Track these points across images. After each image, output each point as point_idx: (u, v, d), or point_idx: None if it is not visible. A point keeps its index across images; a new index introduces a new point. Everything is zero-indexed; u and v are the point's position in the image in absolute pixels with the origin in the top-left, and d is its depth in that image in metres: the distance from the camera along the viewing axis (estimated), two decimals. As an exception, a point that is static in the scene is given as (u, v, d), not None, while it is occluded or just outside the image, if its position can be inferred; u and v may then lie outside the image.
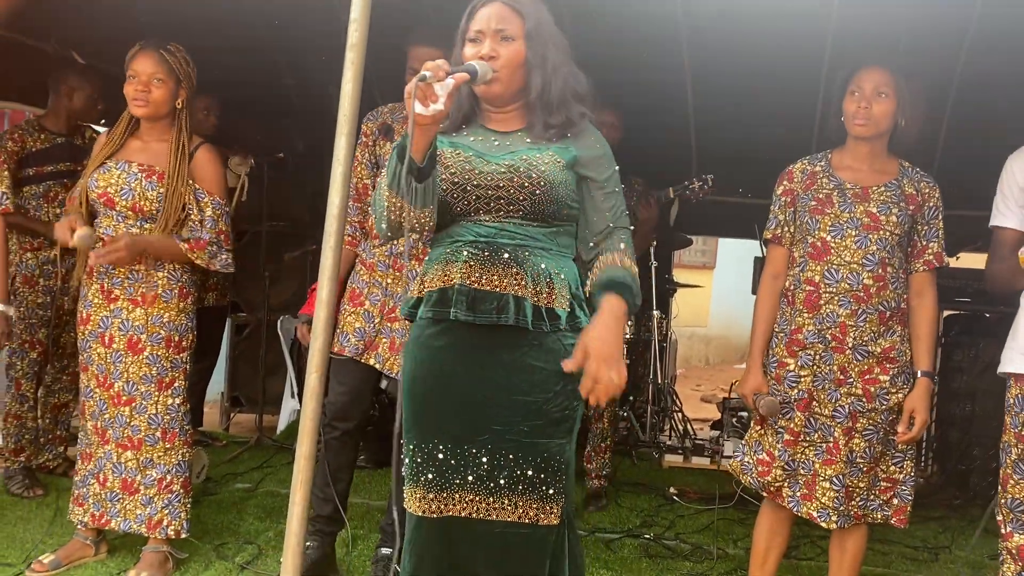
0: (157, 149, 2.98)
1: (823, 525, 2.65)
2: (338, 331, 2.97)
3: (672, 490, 4.44)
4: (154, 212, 2.93)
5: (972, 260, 4.69)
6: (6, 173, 3.68)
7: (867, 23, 3.68)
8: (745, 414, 4.94)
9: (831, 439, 2.63)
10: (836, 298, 2.60)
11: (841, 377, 2.61)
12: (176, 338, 3.00)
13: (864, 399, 2.61)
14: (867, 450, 2.63)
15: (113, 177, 2.94)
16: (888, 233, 2.59)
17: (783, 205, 2.76)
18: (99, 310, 2.98)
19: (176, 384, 3.02)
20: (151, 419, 2.97)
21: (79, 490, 3.07)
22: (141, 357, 2.96)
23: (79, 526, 3.10)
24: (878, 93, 2.58)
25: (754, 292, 2.88)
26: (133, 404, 2.97)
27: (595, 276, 2.03)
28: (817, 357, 2.63)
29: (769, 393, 2.69)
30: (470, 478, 1.99)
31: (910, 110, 2.60)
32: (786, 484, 2.68)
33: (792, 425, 2.66)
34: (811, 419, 2.65)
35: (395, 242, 2.92)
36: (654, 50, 4.23)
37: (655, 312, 5.17)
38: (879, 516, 2.68)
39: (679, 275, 6.63)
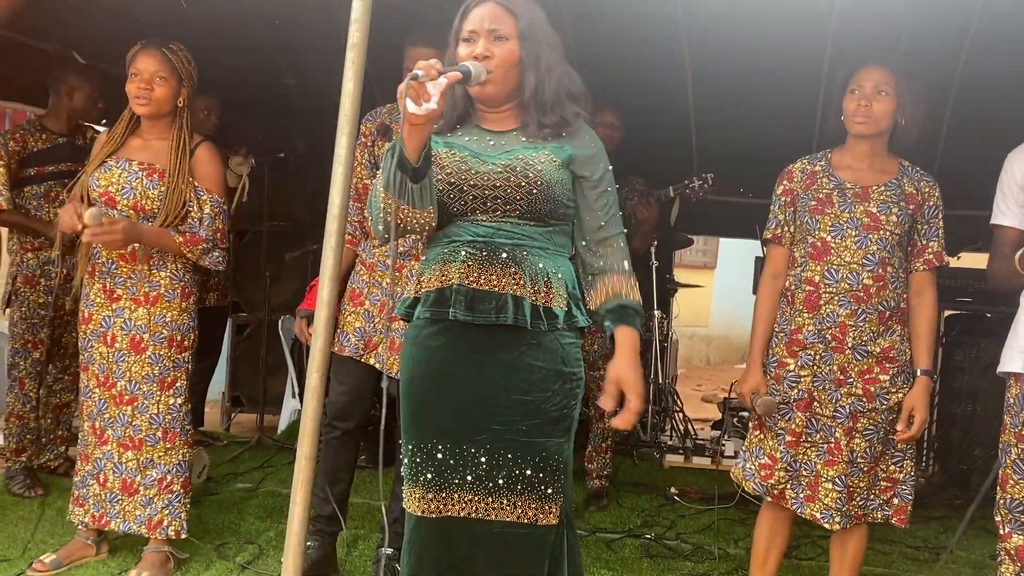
0: (158, 147, 2.98)
1: (826, 526, 2.65)
2: (338, 331, 2.97)
3: (673, 490, 4.44)
4: (155, 210, 2.93)
5: (973, 260, 4.69)
6: (2, 171, 3.68)
7: (867, 23, 3.69)
8: (746, 414, 4.93)
9: (832, 439, 2.63)
10: (836, 298, 2.60)
11: (841, 377, 2.61)
12: (178, 338, 3.01)
13: (864, 399, 2.61)
14: (867, 450, 2.63)
15: (114, 176, 2.94)
16: (888, 233, 2.59)
17: (783, 205, 2.75)
18: (101, 310, 2.98)
19: (178, 384, 3.02)
20: (152, 419, 2.98)
21: (79, 490, 3.07)
22: (143, 357, 2.96)
23: (80, 526, 3.10)
24: (878, 91, 2.58)
25: (755, 292, 2.88)
26: (135, 404, 2.97)
27: (603, 299, 2.06)
28: (817, 357, 2.63)
29: (768, 393, 2.70)
30: (469, 478, 1.99)
31: (910, 109, 2.60)
32: (789, 486, 2.68)
33: (793, 426, 2.65)
34: (812, 419, 2.65)
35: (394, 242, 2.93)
36: (655, 50, 4.23)
37: (656, 312, 5.17)
38: (879, 516, 2.68)
39: (680, 275, 6.63)
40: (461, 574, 2.04)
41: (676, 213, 4.51)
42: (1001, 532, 2.44)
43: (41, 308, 3.87)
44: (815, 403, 2.65)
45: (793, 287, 2.70)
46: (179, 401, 3.02)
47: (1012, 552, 2.41)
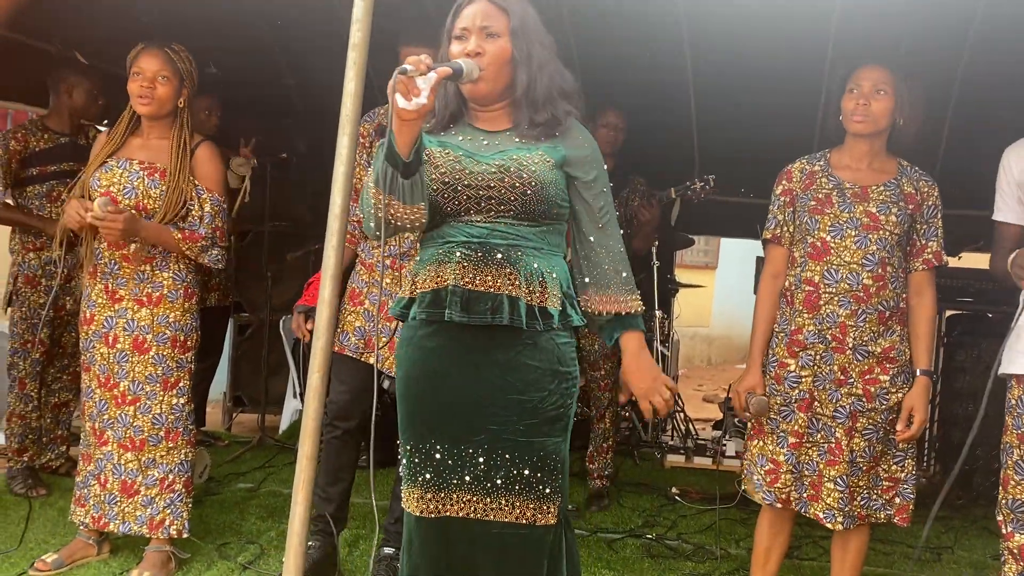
0: (158, 147, 2.99)
1: (828, 526, 2.65)
2: (338, 330, 2.97)
3: (674, 490, 4.44)
4: (157, 209, 2.94)
5: (974, 260, 4.69)
6: None
7: (868, 23, 3.69)
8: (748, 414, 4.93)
9: (833, 439, 2.63)
10: (836, 298, 2.59)
11: (842, 377, 2.61)
12: (182, 338, 3.01)
13: (864, 399, 2.61)
14: (867, 449, 2.63)
15: (115, 176, 2.94)
16: (888, 233, 2.59)
17: (782, 205, 2.75)
18: (103, 310, 2.98)
19: (181, 384, 3.02)
20: (155, 419, 2.98)
21: (80, 491, 3.07)
22: (147, 357, 2.96)
23: (81, 526, 3.10)
24: (876, 91, 2.58)
25: (756, 292, 2.88)
26: (137, 404, 2.97)
27: (604, 309, 2.08)
28: (818, 357, 2.63)
29: (769, 393, 2.70)
30: (467, 478, 2.00)
31: (909, 108, 2.60)
32: (794, 488, 2.68)
33: (796, 427, 2.65)
34: (813, 419, 2.65)
35: (394, 242, 2.93)
36: (656, 50, 4.24)
37: (657, 312, 5.17)
38: (882, 516, 2.68)
39: (681, 275, 6.63)
40: (460, 574, 2.04)
41: (677, 213, 4.51)
42: (1004, 532, 2.45)
43: (42, 308, 3.87)
44: (815, 403, 2.64)
45: (793, 287, 2.70)
46: (182, 401, 3.02)
47: (1015, 551, 2.42)
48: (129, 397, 2.97)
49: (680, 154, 5.05)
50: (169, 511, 3.01)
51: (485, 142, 2.04)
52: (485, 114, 2.07)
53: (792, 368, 2.66)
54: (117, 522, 3.02)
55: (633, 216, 4.21)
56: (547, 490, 2.00)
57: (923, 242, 2.67)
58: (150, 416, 2.98)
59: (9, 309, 3.93)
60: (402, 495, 2.08)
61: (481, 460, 1.99)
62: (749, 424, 2.81)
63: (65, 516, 3.36)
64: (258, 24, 4.35)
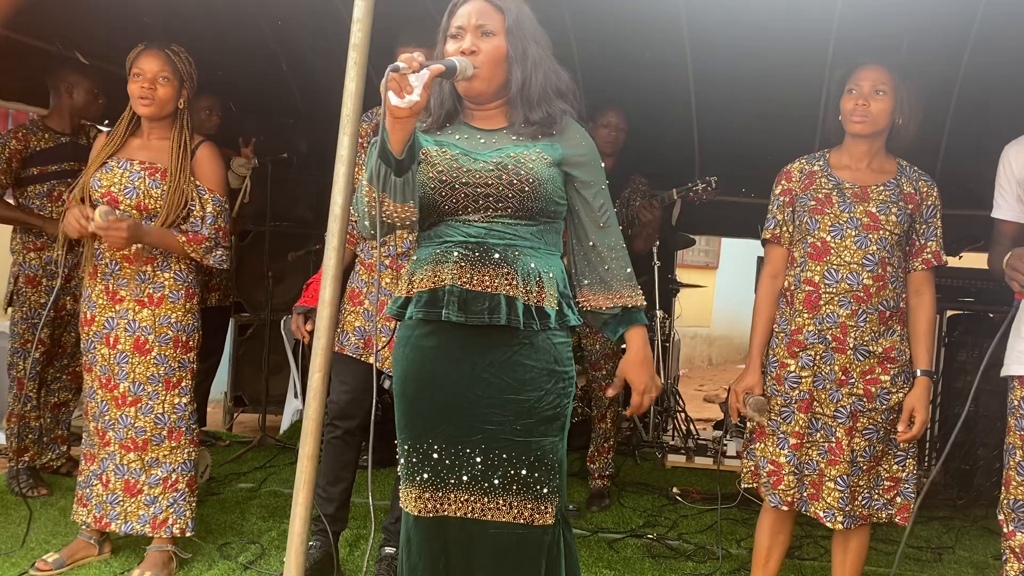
0: (158, 147, 2.99)
1: (829, 525, 2.64)
2: (338, 330, 2.97)
3: (675, 490, 4.44)
4: (158, 209, 2.94)
5: (975, 260, 4.68)
6: None
7: (870, 23, 3.69)
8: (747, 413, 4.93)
9: (833, 439, 2.62)
10: (836, 298, 2.59)
11: (843, 377, 2.61)
12: (184, 338, 3.01)
13: (865, 399, 2.60)
14: (867, 449, 2.63)
15: (116, 176, 2.94)
16: (888, 233, 2.59)
17: (781, 205, 2.75)
18: (104, 311, 2.98)
19: (183, 384, 3.03)
20: (158, 418, 2.98)
21: (82, 490, 3.07)
22: (148, 358, 2.97)
23: (83, 526, 3.11)
24: (876, 91, 2.58)
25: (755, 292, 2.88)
26: (139, 404, 2.97)
27: (608, 305, 2.09)
28: (818, 357, 2.63)
29: (769, 394, 2.69)
30: (464, 478, 2.00)
31: (908, 108, 2.60)
32: (796, 489, 2.68)
33: (796, 428, 2.65)
34: (812, 420, 2.65)
35: (392, 242, 2.93)
36: (657, 50, 4.24)
37: (658, 312, 5.16)
38: (883, 515, 2.68)
39: (682, 275, 6.63)
40: (458, 574, 2.04)
41: (678, 213, 4.51)
42: (1005, 531, 2.45)
43: (42, 308, 3.87)
44: (815, 403, 2.64)
45: (792, 287, 2.70)
46: (184, 400, 3.03)
47: (1017, 550, 2.42)
48: (130, 398, 2.97)
49: (681, 154, 5.05)
50: (172, 510, 3.01)
51: (482, 140, 2.04)
52: (481, 113, 2.07)
53: (792, 368, 2.66)
54: (119, 522, 3.02)
55: (635, 217, 4.20)
56: (544, 490, 2.00)
57: (922, 242, 2.67)
58: (152, 416, 2.98)
59: (10, 309, 3.94)
60: (400, 495, 2.08)
61: (478, 460, 1.99)
62: (749, 425, 2.81)
63: (66, 516, 3.36)
64: (259, 24, 4.35)
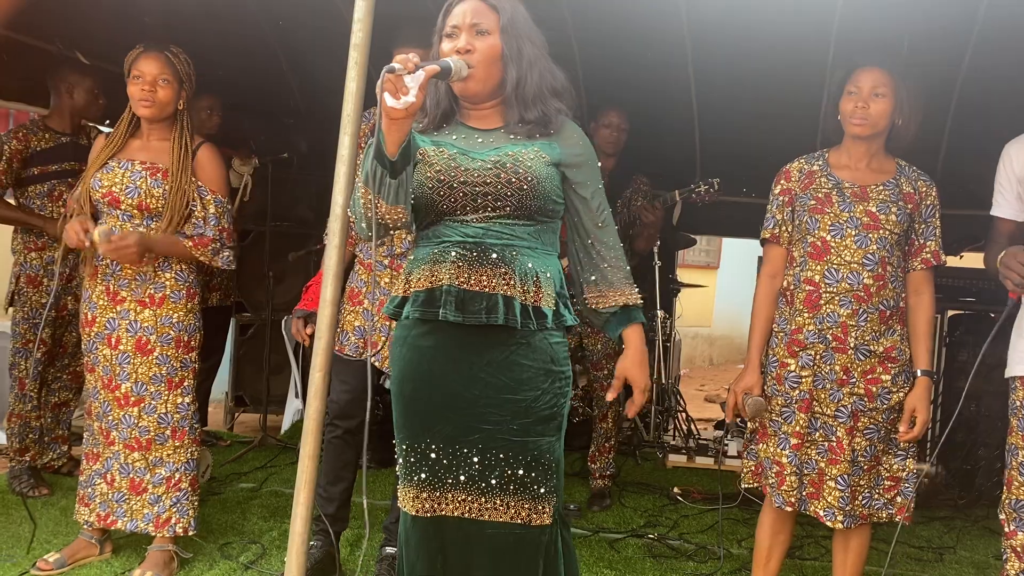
0: (158, 148, 2.99)
1: (829, 524, 2.65)
2: (338, 330, 2.97)
3: (676, 490, 4.44)
4: (160, 209, 2.94)
5: (976, 259, 4.67)
6: None
7: (871, 23, 3.68)
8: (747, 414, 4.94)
9: (834, 438, 2.62)
10: (837, 298, 2.59)
11: (844, 377, 2.61)
12: (185, 338, 3.02)
13: (866, 398, 2.61)
14: (868, 448, 2.63)
15: (117, 176, 2.94)
16: (888, 232, 2.59)
17: (781, 204, 2.75)
18: (105, 312, 2.98)
19: (186, 383, 3.03)
20: (161, 418, 2.98)
21: (84, 490, 3.07)
22: (151, 358, 2.97)
23: (85, 526, 3.11)
24: (875, 93, 2.58)
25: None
26: (142, 404, 2.97)
27: (607, 304, 2.11)
28: (818, 357, 2.63)
29: (769, 394, 2.69)
30: (462, 478, 2.00)
31: (908, 109, 2.60)
32: (798, 489, 2.68)
33: (797, 428, 2.65)
34: (812, 419, 2.65)
35: (391, 243, 2.93)
36: (658, 50, 4.24)
37: (659, 312, 5.17)
38: (884, 515, 2.68)
39: (683, 275, 6.63)
40: (456, 574, 2.05)
41: (679, 213, 4.51)
42: (1007, 530, 2.46)
43: (43, 308, 3.87)
44: (815, 403, 2.64)
45: (792, 287, 2.70)
46: (187, 400, 3.03)
47: (1018, 548, 2.43)
48: (132, 398, 2.97)
49: (682, 154, 5.05)
50: (175, 509, 3.01)
51: (480, 140, 2.04)
52: (477, 112, 2.08)
53: (792, 368, 2.66)
54: (125, 519, 3.02)
55: (636, 217, 4.20)
56: (541, 490, 2.00)
57: (921, 242, 2.67)
58: (156, 416, 2.98)
59: (11, 309, 3.94)
60: (398, 494, 2.09)
61: (476, 460, 1.99)
62: (750, 425, 2.81)
63: (67, 516, 3.36)
64: (260, 24, 4.35)
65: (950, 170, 4.53)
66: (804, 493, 2.67)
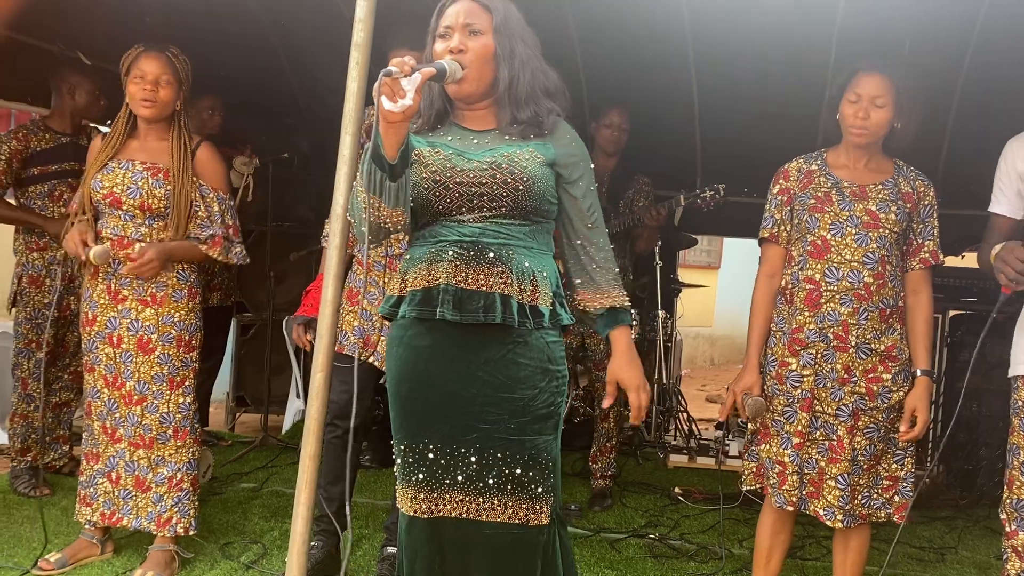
0: (157, 148, 3.00)
1: (829, 524, 2.64)
2: (337, 330, 2.97)
3: (677, 490, 4.43)
4: (161, 209, 2.94)
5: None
6: None
7: (872, 24, 3.68)
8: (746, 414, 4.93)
9: (834, 437, 2.62)
10: (837, 296, 2.60)
11: (845, 376, 2.61)
12: (187, 337, 3.02)
13: (867, 397, 2.61)
14: (868, 448, 2.63)
15: (118, 177, 2.94)
16: (887, 231, 2.60)
17: (780, 204, 2.76)
18: (106, 311, 2.99)
19: (187, 383, 3.03)
20: (163, 418, 2.99)
21: (85, 490, 3.07)
22: (152, 357, 2.97)
23: (87, 526, 3.11)
24: (875, 103, 2.57)
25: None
26: (144, 403, 2.98)
27: (595, 306, 2.11)
28: (819, 356, 2.63)
29: (770, 394, 2.69)
30: (460, 478, 2.00)
31: (907, 111, 2.60)
32: (799, 489, 2.68)
33: (799, 427, 2.65)
34: (813, 418, 2.65)
35: (389, 243, 2.93)
36: (659, 49, 4.23)
37: (660, 312, 5.16)
38: (882, 514, 2.69)
39: (684, 275, 6.63)
40: (455, 574, 2.05)
41: (680, 214, 4.51)
42: (1007, 530, 2.46)
43: (46, 308, 3.87)
44: (816, 402, 2.64)
45: (791, 286, 2.70)
46: (188, 400, 3.04)
47: (1019, 548, 2.43)
48: (136, 396, 2.98)
49: (683, 154, 5.05)
50: (176, 509, 3.01)
51: (475, 141, 2.05)
52: (471, 113, 2.08)
53: (793, 367, 2.66)
54: (131, 517, 3.03)
55: (639, 220, 4.20)
56: (539, 489, 2.00)
57: (920, 241, 2.68)
58: (158, 415, 2.99)
59: (13, 309, 3.94)
60: (396, 495, 2.08)
61: (473, 459, 1.99)
62: (751, 426, 2.81)
63: (68, 516, 3.36)
64: (261, 24, 4.36)
65: (951, 170, 4.52)
66: (804, 492, 2.67)
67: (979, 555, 3.78)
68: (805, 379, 2.64)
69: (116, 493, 3.03)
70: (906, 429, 2.60)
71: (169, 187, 2.94)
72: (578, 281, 2.12)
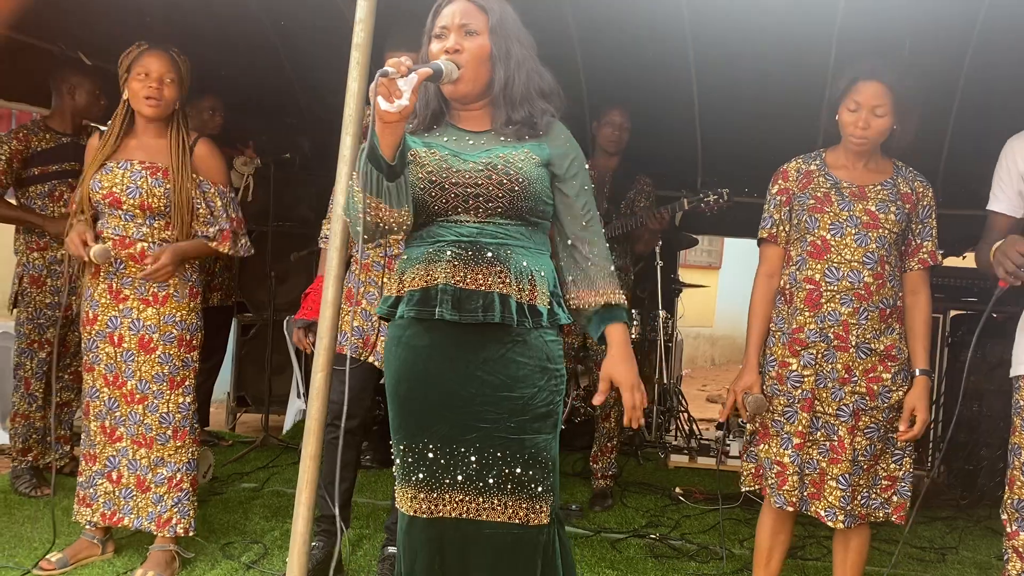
0: (155, 147, 3.00)
1: (830, 524, 2.65)
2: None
3: (678, 490, 4.44)
4: (162, 208, 2.95)
5: (979, 260, 4.68)
6: None
7: (872, 24, 3.68)
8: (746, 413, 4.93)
9: (835, 438, 2.63)
10: (837, 296, 2.60)
11: (846, 376, 2.61)
12: (188, 337, 3.02)
13: (867, 397, 2.61)
14: (868, 448, 2.63)
15: (117, 176, 2.94)
16: (887, 231, 2.60)
17: (778, 204, 2.76)
18: (107, 310, 2.99)
19: (187, 383, 3.04)
20: (163, 417, 2.99)
21: (85, 491, 3.07)
22: (153, 356, 2.97)
23: (87, 526, 3.11)
24: (875, 112, 2.56)
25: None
26: (145, 403, 2.98)
27: (590, 304, 2.08)
28: (820, 356, 2.63)
29: (771, 394, 2.69)
30: (459, 477, 2.00)
31: (906, 114, 2.60)
32: (799, 489, 2.68)
33: (799, 427, 2.65)
34: (814, 419, 2.65)
35: (388, 243, 2.93)
36: (659, 49, 4.23)
37: (661, 312, 5.16)
38: (880, 515, 2.69)
39: (685, 275, 6.63)
40: (455, 574, 2.05)
41: (681, 214, 4.51)
42: (1008, 530, 2.45)
43: (47, 308, 3.88)
44: (816, 402, 2.65)
45: (790, 286, 2.70)
46: (188, 400, 3.04)
47: (1020, 549, 2.42)
48: (137, 396, 2.98)
49: (683, 153, 5.04)
50: (176, 509, 3.02)
51: (470, 142, 2.05)
52: (467, 114, 2.08)
53: (794, 367, 2.66)
54: (132, 517, 3.03)
55: (642, 223, 4.20)
56: (539, 488, 2.01)
57: (918, 242, 2.68)
58: (158, 415, 2.99)
59: (15, 309, 3.94)
60: (395, 495, 2.09)
61: (473, 459, 2.00)
62: (749, 427, 2.81)
63: (69, 515, 3.35)
64: (262, 24, 4.35)
65: (952, 170, 4.52)
66: (805, 493, 2.67)
67: (980, 555, 3.78)
68: (806, 379, 2.64)
69: (117, 493, 3.03)
70: (905, 428, 2.60)
71: (168, 185, 2.95)
72: (571, 279, 2.10)
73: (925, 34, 3.59)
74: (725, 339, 11.75)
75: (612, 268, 2.13)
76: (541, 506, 2.01)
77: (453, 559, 2.04)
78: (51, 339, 3.88)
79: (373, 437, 4.49)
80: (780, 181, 2.77)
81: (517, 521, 2.00)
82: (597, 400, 2.07)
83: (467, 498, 2.01)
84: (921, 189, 2.67)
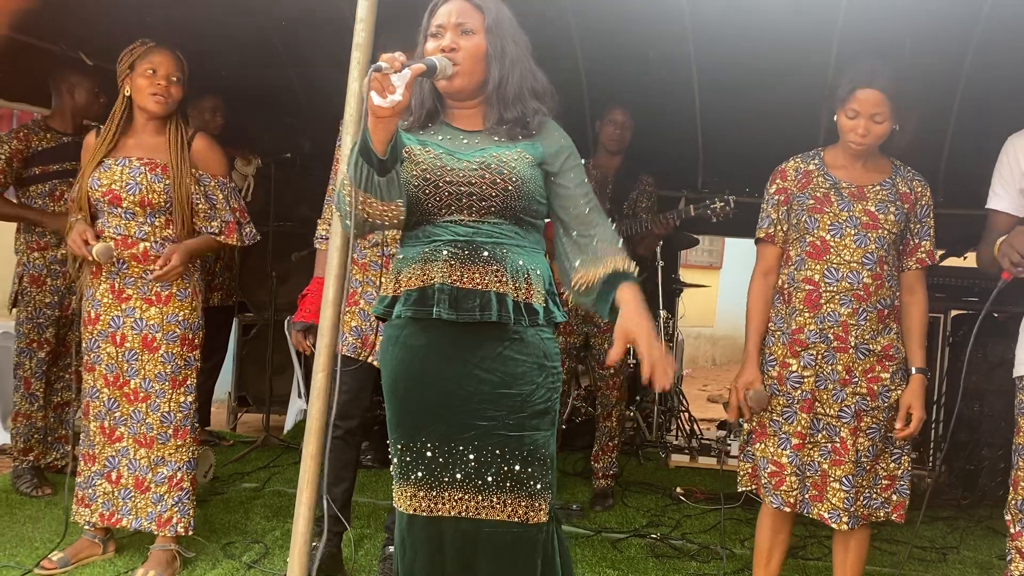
0: (153, 144, 3.00)
1: (833, 526, 2.64)
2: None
3: (678, 490, 4.43)
4: (162, 204, 2.95)
5: (980, 259, 4.67)
6: None
7: (873, 24, 3.68)
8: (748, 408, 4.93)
9: (837, 439, 2.62)
10: (837, 297, 2.60)
11: (847, 377, 2.61)
12: (190, 336, 3.03)
13: (868, 397, 2.61)
14: (870, 448, 2.63)
15: (116, 174, 2.94)
16: (886, 232, 2.60)
17: (777, 204, 2.75)
18: (109, 310, 2.99)
19: (188, 382, 3.04)
20: (164, 417, 2.99)
21: (84, 491, 3.07)
22: (156, 355, 2.98)
23: (87, 526, 3.11)
24: (875, 120, 2.56)
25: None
26: (148, 402, 2.99)
27: (601, 273, 2.00)
28: (820, 357, 2.63)
29: (770, 394, 2.69)
30: (458, 476, 2.00)
31: (904, 115, 2.59)
32: (798, 491, 2.68)
33: (799, 428, 2.65)
34: (814, 420, 2.65)
35: (386, 242, 2.93)
36: (660, 48, 4.23)
37: (661, 312, 5.16)
38: (881, 514, 2.69)
39: (685, 275, 6.62)
40: (454, 573, 2.05)
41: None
42: (1012, 531, 2.45)
43: (47, 308, 3.88)
44: (817, 403, 2.64)
45: (789, 286, 2.70)
46: (189, 399, 3.04)
47: (1023, 550, 2.41)
48: (141, 395, 2.99)
49: (684, 153, 5.04)
50: (176, 509, 3.02)
51: (465, 141, 2.05)
52: (461, 112, 2.08)
53: (794, 368, 2.66)
54: (130, 518, 3.03)
55: (646, 228, 4.20)
56: (538, 486, 2.01)
57: (916, 241, 2.68)
58: (159, 414, 2.99)
59: (15, 309, 3.95)
60: (394, 494, 2.09)
61: (471, 457, 2.00)
62: (746, 426, 2.80)
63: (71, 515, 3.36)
64: (263, 24, 4.35)
65: (953, 170, 4.52)
66: (807, 496, 2.67)
67: (981, 555, 3.78)
68: (806, 380, 2.64)
69: (116, 493, 3.03)
70: (901, 426, 2.60)
71: (168, 181, 2.95)
72: (577, 263, 2.04)
73: (926, 34, 3.59)
74: (726, 339, 11.75)
75: (620, 243, 2.06)
76: (540, 504, 2.01)
77: (452, 558, 2.04)
78: (51, 339, 3.88)
79: (373, 437, 4.49)
80: (778, 181, 2.77)
81: (516, 519, 2.00)
82: (612, 358, 1.92)
83: (466, 496, 2.01)
84: (919, 189, 2.67)
